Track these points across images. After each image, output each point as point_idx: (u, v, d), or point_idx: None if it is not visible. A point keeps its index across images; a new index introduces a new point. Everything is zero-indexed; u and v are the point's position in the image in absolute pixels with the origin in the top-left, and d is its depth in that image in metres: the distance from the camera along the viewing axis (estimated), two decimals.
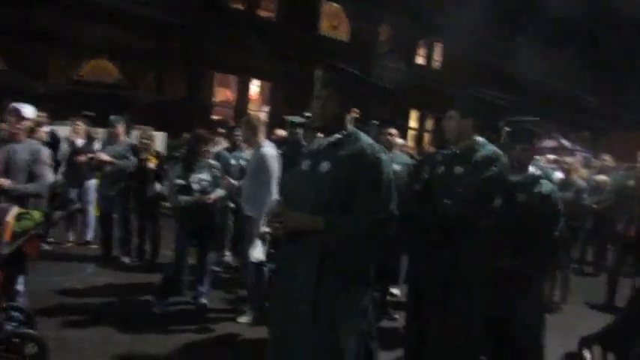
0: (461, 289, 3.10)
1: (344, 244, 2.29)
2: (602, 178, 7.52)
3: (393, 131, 5.14)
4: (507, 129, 4.17)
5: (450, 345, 3.14)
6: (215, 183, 4.99)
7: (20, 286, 3.66)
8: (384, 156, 2.33)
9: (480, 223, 3.14)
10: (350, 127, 2.45)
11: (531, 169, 3.60)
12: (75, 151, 6.75)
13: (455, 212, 3.09)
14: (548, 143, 18.87)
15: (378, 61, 18.66)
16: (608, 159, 8.83)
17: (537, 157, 10.55)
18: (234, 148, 6.48)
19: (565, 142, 19.73)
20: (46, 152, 4.19)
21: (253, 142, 4.76)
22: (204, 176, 4.91)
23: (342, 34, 20.98)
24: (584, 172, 6.29)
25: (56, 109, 9.98)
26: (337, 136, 2.41)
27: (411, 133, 25.40)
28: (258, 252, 4.31)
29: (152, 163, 6.32)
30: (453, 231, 3.11)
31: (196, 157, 4.95)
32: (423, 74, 24.22)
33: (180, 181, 4.79)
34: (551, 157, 11.10)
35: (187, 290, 5.19)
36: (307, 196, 2.34)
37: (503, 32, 22.40)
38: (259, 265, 4.50)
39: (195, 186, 4.81)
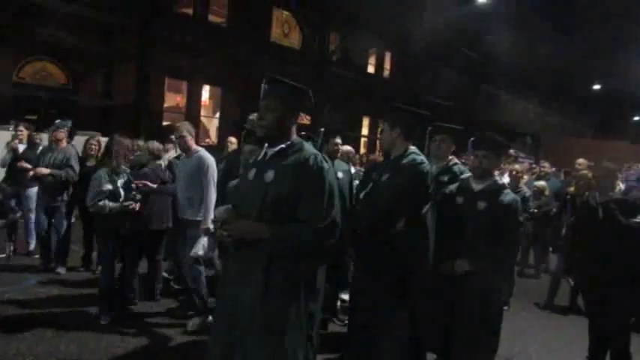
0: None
1: (289, 251, 2.34)
2: (541, 183, 7.88)
3: (338, 140, 5.23)
4: (472, 138, 4.35)
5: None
6: (130, 187, 4.96)
7: None
8: (326, 165, 2.40)
9: (392, 228, 3.23)
10: (294, 137, 2.52)
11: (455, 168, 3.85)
12: (16, 157, 6.49)
13: (363, 216, 3.25)
14: None
15: (329, 68, 18.83)
16: (546, 165, 9.27)
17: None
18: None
19: (510, 150, 20.56)
20: None
21: (187, 149, 4.87)
22: (125, 180, 4.90)
23: (293, 41, 21.12)
24: (525, 178, 6.56)
25: None
26: (281, 145, 2.47)
27: (363, 141, 25.81)
28: (199, 248, 4.39)
29: None
30: (362, 235, 3.24)
31: (120, 162, 4.88)
32: (374, 82, 24.70)
33: (108, 187, 4.71)
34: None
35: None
36: (253, 205, 2.40)
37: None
38: (194, 264, 4.60)
39: (121, 191, 4.78)
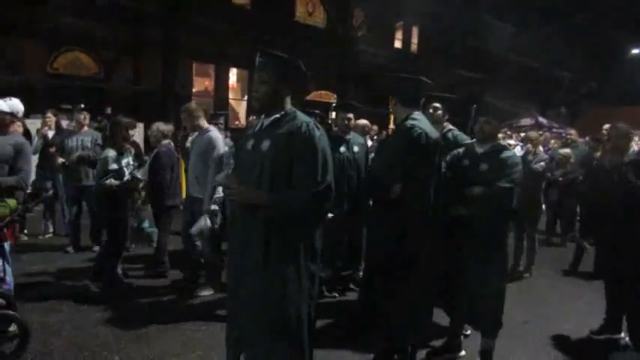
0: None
1: (286, 216, 2.48)
2: (566, 151, 7.76)
3: (350, 115, 5.33)
4: (474, 106, 4.44)
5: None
6: (138, 165, 5.26)
7: (3, 274, 3.80)
8: (317, 132, 2.51)
9: (387, 193, 3.35)
10: (289, 107, 2.63)
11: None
12: (47, 143, 6.84)
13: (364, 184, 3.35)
14: (526, 121, 19.25)
15: (355, 46, 18.72)
16: (573, 133, 9.11)
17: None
18: None
19: (542, 120, 20.12)
20: (28, 147, 4.27)
21: (197, 128, 5.05)
22: (131, 160, 5.15)
23: (318, 20, 21.04)
24: (540, 147, 6.52)
25: (33, 102, 9.98)
26: (276, 115, 2.60)
27: (392, 117, 25.63)
28: (201, 226, 4.64)
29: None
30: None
31: (122, 142, 5.13)
32: (402, 57, 24.39)
33: (114, 166, 4.96)
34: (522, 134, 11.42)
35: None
36: (252, 173, 2.55)
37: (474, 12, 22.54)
38: (195, 240, 4.86)
39: (125, 170, 5.03)
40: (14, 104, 4.29)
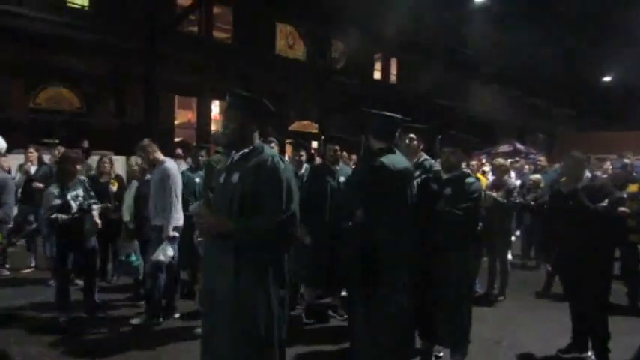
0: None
1: (253, 241, 2.68)
2: (536, 176, 8.11)
3: (337, 147, 5.55)
4: (439, 136, 4.71)
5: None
6: (89, 196, 5.35)
7: None
8: (282, 165, 2.73)
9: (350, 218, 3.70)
10: (257, 142, 2.85)
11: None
12: (30, 178, 6.98)
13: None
14: (504, 147, 19.76)
15: (334, 77, 19.19)
16: (542, 159, 9.49)
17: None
18: (197, 167, 6.78)
19: (519, 146, 20.65)
20: (11, 181, 4.42)
21: (152, 162, 5.26)
22: (80, 192, 5.25)
23: (298, 52, 21.55)
24: (512, 172, 6.77)
25: (15, 137, 10.09)
26: (245, 150, 2.82)
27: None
28: (162, 253, 4.84)
29: (114, 187, 6.56)
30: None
31: (68, 176, 5.24)
32: (381, 88, 24.95)
33: (57, 201, 5.04)
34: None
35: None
36: (224, 203, 2.76)
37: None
38: (156, 266, 5.01)
39: (72, 203, 5.12)
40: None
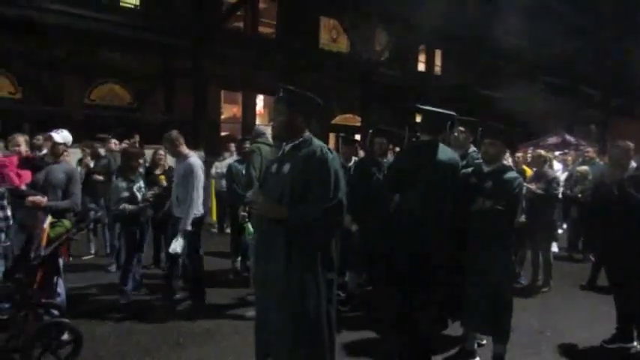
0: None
1: (303, 227, 2.85)
2: (583, 168, 7.97)
3: (384, 140, 5.67)
4: (480, 128, 4.79)
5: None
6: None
7: (59, 288, 4.27)
8: (330, 156, 2.89)
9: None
10: (306, 134, 3.03)
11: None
12: (90, 171, 7.52)
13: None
14: (553, 139, 19.28)
15: (377, 69, 19.19)
16: (590, 150, 9.29)
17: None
18: (244, 159, 7.11)
19: (569, 137, 20.09)
20: (77, 173, 4.81)
21: (178, 154, 5.45)
22: (141, 184, 5.78)
23: (342, 45, 21.62)
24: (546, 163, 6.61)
25: (72, 133, 10.64)
26: (295, 142, 3.00)
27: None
28: (177, 245, 5.09)
29: (163, 181, 6.89)
30: None
31: (133, 170, 5.76)
32: (426, 79, 24.72)
33: (125, 194, 5.60)
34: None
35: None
36: (275, 193, 2.95)
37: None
38: (174, 256, 5.32)
39: (138, 194, 5.65)
40: (65, 135, 4.83)
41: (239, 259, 7.09)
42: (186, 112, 15.05)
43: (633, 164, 4.34)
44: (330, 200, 2.82)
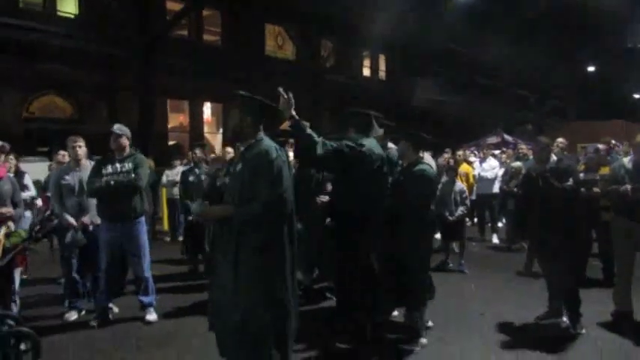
0: None
1: (247, 222, 3.09)
2: (517, 164, 8.56)
3: None
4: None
5: None
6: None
7: (14, 296, 4.30)
8: (274, 154, 3.11)
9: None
10: (259, 135, 3.26)
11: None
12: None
13: None
14: (492, 139, 20.22)
15: (324, 76, 19.55)
16: (524, 147, 9.94)
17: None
18: (194, 166, 7.67)
19: (507, 137, 21.11)
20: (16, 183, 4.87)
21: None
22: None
23: (288, 52, 21.88)
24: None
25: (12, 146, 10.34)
26: (249, 143, 3.25)
27: None
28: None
29: None
30: None
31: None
32: (370, 85, 25.32)
33: None
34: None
35: None
36: (234, 191, 3.20)
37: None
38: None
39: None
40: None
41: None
42: (131, 122, 14.85)
43: (554, 157, 4.79)
44: (269, 195, 3.04)
